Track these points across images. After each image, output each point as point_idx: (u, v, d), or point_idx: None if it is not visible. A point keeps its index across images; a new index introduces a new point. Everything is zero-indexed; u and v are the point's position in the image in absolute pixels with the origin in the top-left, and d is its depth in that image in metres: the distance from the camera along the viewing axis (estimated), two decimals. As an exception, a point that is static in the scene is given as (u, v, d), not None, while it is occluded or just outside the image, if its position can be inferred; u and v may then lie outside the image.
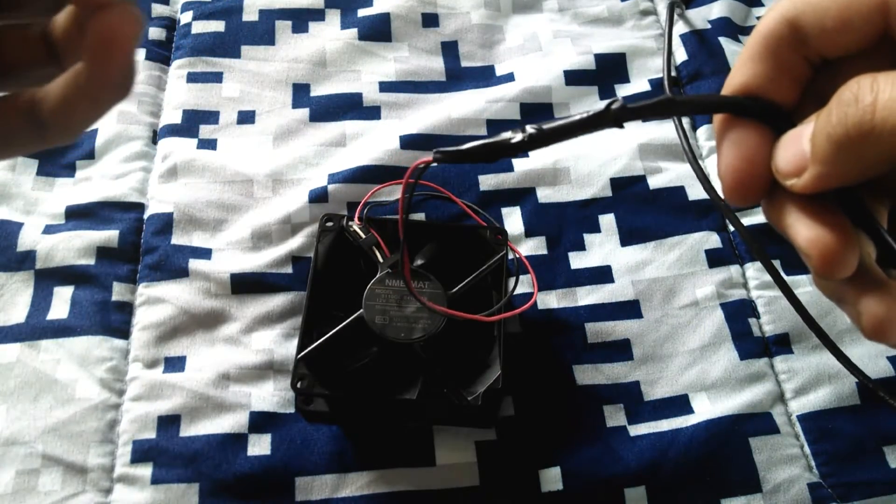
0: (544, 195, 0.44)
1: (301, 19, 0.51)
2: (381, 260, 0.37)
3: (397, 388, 0.35)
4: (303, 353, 0.35)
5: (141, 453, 0.35)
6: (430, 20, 0.51)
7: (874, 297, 0.20)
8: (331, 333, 0.35)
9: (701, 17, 0.51)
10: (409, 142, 0.45)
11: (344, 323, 0.35)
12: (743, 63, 0.22)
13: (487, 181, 0.44)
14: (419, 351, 0.35)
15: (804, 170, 0.19)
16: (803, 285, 0.41)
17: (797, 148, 0.20)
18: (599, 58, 0.49)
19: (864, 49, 0.21)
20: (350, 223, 0.38)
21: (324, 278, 0.37)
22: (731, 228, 0.43)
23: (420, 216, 0.43)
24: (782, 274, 0.41)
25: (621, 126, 0.21)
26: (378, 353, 0.35)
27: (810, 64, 0.22)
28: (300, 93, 0.48)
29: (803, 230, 0.20)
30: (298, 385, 0.34)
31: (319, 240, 0.38)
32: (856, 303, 0.20)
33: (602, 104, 0.21)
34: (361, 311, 0.35)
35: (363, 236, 0.38)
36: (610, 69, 0.49)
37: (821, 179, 0.19)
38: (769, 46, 0.21)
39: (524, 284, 0.41)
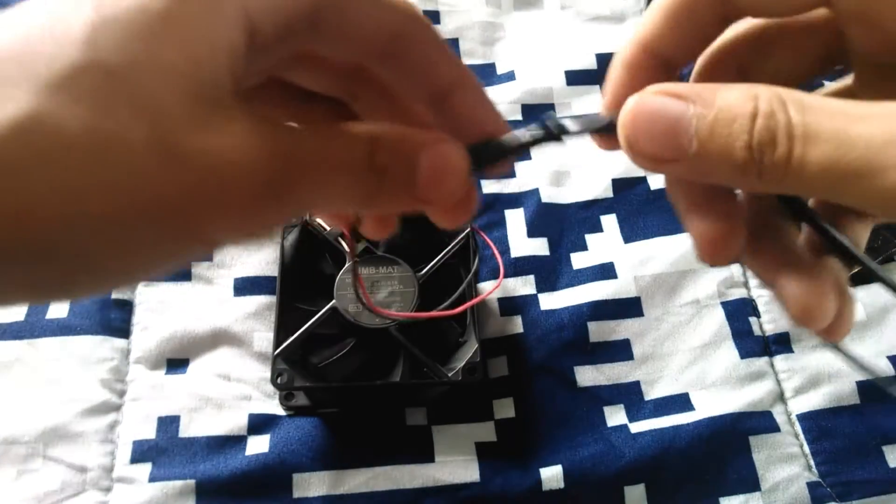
0: (546, 197, 0.44)
1: (301, 17, 0.51)
2: (347, 249, 0.37)
3: (380, 374, 0.35)
4: (280, 349, 0.35)
5: (140, 453, 0.35)
6: (432, 17, 0.51)
7: (796, 278, 0.19)
8: (306, 326, 0.35)
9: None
10: None
11: (318, 315, 0.35)
12: (653, 16, 0.21)
13: (490, 185, 0.44)
14: (395, 334, 0.35)
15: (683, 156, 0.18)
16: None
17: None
18: (601, 57, 0.49)
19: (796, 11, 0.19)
20: (312, 217, 0.38)
21: (292, 274, 0.37)
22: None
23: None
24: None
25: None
26: (356, 341, 0.35)
27: (724, 21, 0.20)
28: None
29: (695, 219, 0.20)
30: (278, 381, 0.34)
31: (284, 237, 0.38)
32: (781, 285, 0.19)
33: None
34: (334, 301, 0.35)
35: (327, 228, 0.38)
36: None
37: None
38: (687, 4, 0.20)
39: (526, 284, 0.41)
